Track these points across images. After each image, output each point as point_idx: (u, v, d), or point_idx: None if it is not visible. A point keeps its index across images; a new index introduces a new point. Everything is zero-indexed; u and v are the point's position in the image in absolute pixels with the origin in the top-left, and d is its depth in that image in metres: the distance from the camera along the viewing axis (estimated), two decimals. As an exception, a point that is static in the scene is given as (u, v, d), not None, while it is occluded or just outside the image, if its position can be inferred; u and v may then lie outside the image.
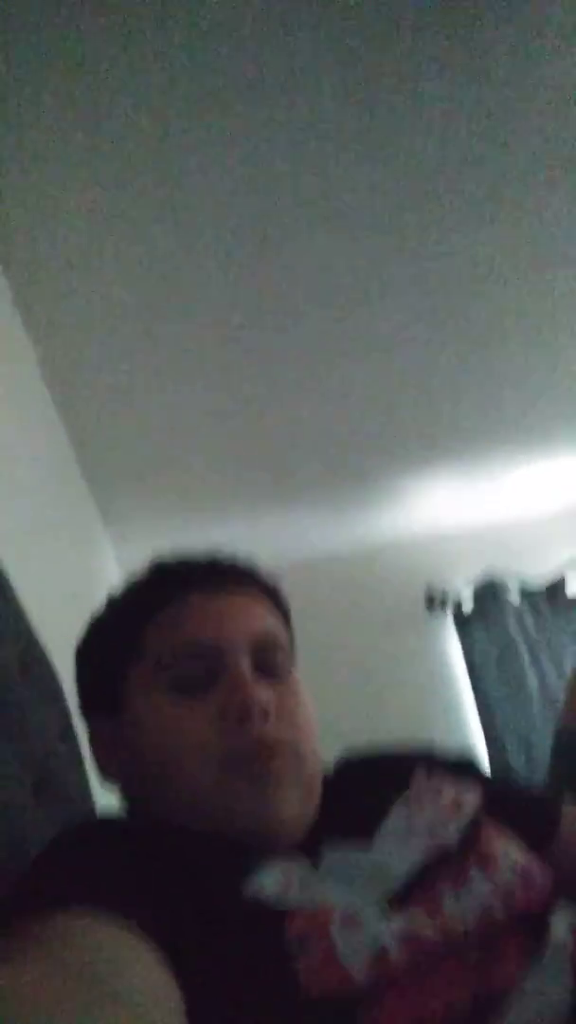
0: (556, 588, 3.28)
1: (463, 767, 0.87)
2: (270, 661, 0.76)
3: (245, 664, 0.73)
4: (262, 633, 0.77)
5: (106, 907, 0.53)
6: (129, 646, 0.77)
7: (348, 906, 0.60)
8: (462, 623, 3.28)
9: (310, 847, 0.68)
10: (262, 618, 0.79)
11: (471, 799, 0.76)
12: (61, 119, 1.39)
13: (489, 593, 3.22)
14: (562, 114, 1.59)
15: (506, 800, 0.81)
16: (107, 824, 0.75)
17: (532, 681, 3.01)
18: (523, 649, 3.09)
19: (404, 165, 1.63)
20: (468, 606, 3.28)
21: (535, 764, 2.82)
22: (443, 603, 3.33)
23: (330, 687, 3.03)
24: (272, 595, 0.85)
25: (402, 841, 0.70)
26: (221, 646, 0.73)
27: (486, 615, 3.19)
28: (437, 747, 0.91)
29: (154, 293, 1.88)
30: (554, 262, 2.03)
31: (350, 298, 2.03)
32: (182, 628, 0.75)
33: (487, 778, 0.86)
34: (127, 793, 0.78)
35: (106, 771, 0.79)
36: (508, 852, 0.69)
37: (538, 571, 3.35)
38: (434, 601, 3.33)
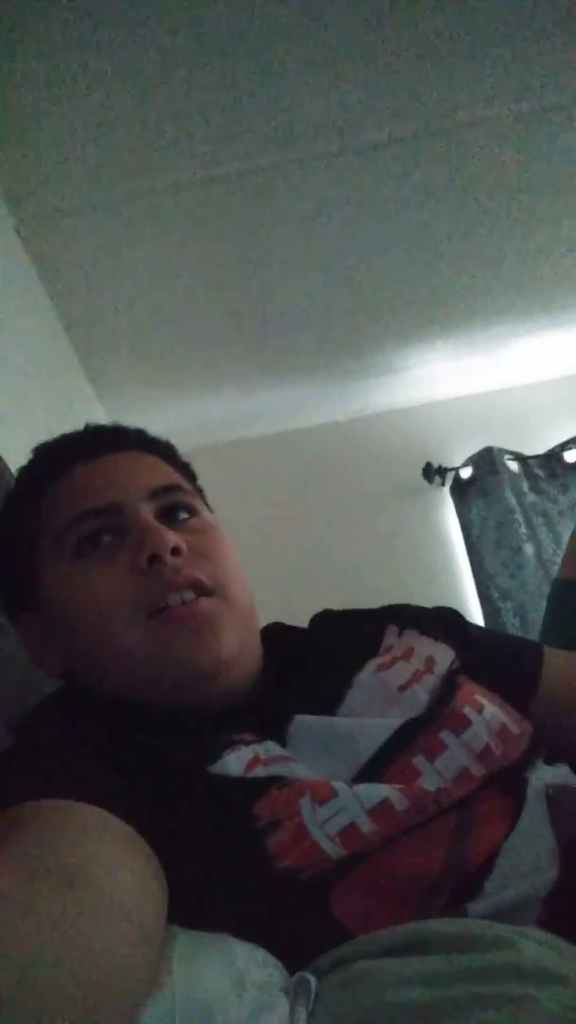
0: (553, 457, 3.26)
1: (438, 621, 0.83)
2: (175, 503, 0.74)
3: (146, 512, 0.70)
4: (158, 480, 0.74)
5: (80, 795, 0.52)
6: (30, 530, 0.73)
7: (317, 781, 0.59)
8: (460, 493, 3.28)
9: (277, 719, 0.66)
10: (154, 467, 0.77)
11: (444, 655, 0.74)
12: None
13: (487, 463, 3.20)
14: None
15: (486, 652, 0.79)
16: (71, 706, 0.71)
17: (529, 549, 3.04)
18: (520, 518, 3.11)
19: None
20: (466, 476, 3.27)
21: (530, 630, 2.88)
22: (441, 473, 3.32)
23: (327, 555, 3.06)
24: (163, 451, 0.82)
25: (372, 702, 0.68)
26: (117, 502, 0.70)
27: (484, 485, 3.19)
28: (412, 605, 0.88)
29: (141, 152, 1.76)
30: (558, 118, 1.89)
31: (348, 156, 1.90)
32: (74, 497, 0.72)
33: (465, 629, 0.83)
34: (76, 680, 0.74)
35: (49, 668, 0.76)
36: (484, 707, 0.67)
37: (536, 442, 3.32)
38: (432, 471, 3.32)
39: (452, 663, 0.73)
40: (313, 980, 0.50)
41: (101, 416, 2.80)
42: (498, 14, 1.57)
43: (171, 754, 0.60)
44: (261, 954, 0.51)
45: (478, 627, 0.88)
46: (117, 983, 0.40)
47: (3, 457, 1.25)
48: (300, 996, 0.49)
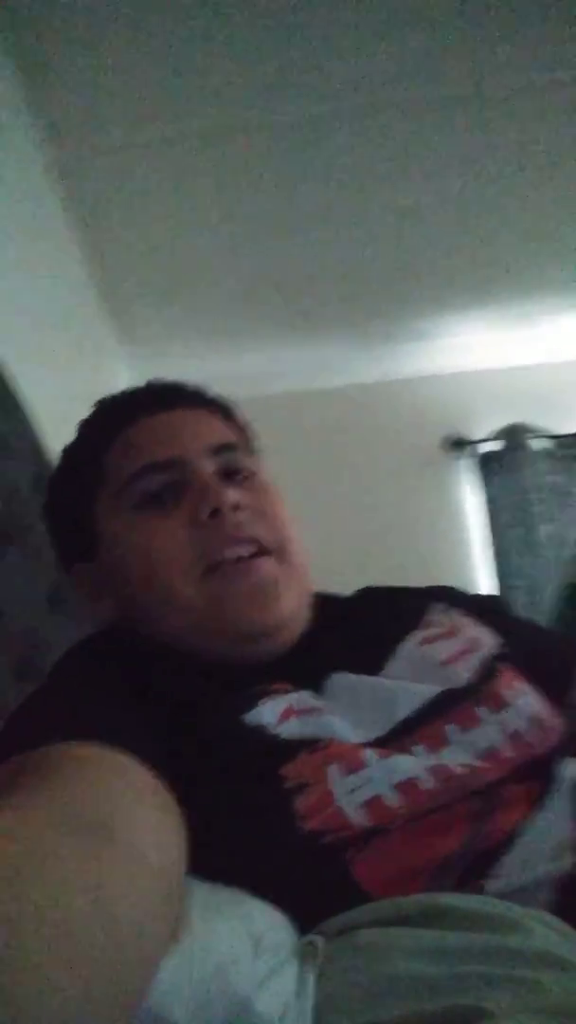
0: (579, 438, 3.23)
1: (485, 606, 0.84)
2: (233, 463, 0.76)
3: (208, 468, 0.73)
4: (217, 437, 0.76)
5: (109, 740, 0.52)
6: (91, 480, 0.76)
7: (349, 744, 0.60)
8: (481, 468, 3.26)
9: (315, 674, 0.67)
10: (216, 426, 0.79)
11: (488, 639, 0.75)
12: None
13: (511, 439, 3.18)
14: None
15: (528, 643, 0.79)
16: (108, 649, 0.73)
17: (545, 529, 3.03)
18: (540, 497, 3.09)
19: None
20: (489, 450, 3.25)
21: (539, 609, 2.88)
22: (464, 446, 3.29)
23: (341, 516, 3.05)
24: (224, 409, 0.84)
25: (412, 673, 0.69)
26: (180, 457, 0.73)
27: (507, 461, 3.17)
28: (458, 588, 0.90)
29: (182, 94, 1.73)
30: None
31: (384, 109, 1.84)
32: (138, 449, 0.74)
33: (510, 619, 0.84)
34: (127, 627, 0.76)
35: (101, 615, 0.78)
36: (522, 694, 0.68)
37: (564, 422, 3.28)
38: (455, 443, 3.29)
39: (495, 648, 0.74)
40: (321, 941, 0.51)
41: (122, 366, 2.78)
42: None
43: (208, 702, 0.62)
44: (276, 916, 0.52)
45: (522, 617, 0.90)
46: (145, 939, 0.39)
47: (26, 401, 1.24)
48: (308, 959, 0.50)
